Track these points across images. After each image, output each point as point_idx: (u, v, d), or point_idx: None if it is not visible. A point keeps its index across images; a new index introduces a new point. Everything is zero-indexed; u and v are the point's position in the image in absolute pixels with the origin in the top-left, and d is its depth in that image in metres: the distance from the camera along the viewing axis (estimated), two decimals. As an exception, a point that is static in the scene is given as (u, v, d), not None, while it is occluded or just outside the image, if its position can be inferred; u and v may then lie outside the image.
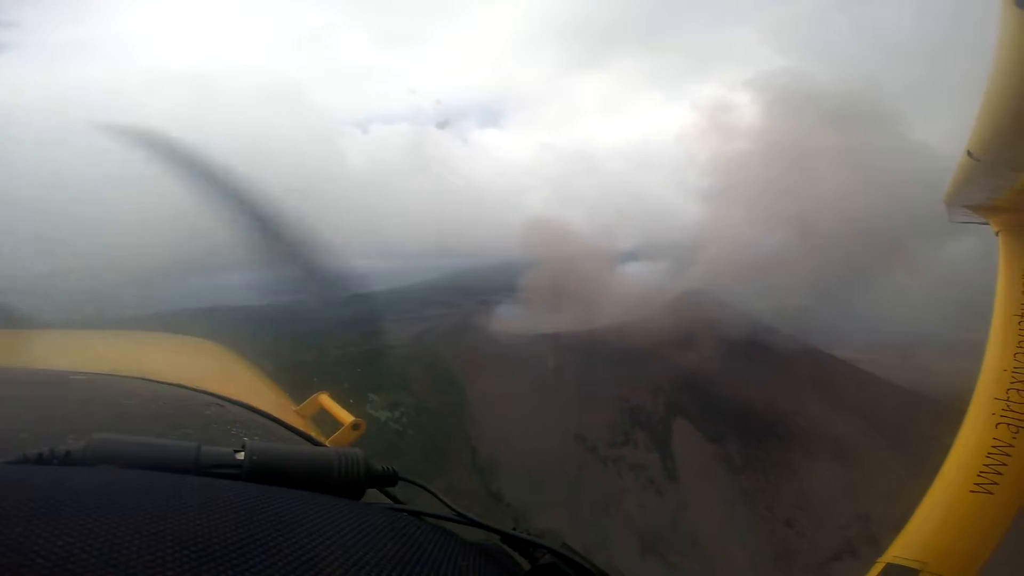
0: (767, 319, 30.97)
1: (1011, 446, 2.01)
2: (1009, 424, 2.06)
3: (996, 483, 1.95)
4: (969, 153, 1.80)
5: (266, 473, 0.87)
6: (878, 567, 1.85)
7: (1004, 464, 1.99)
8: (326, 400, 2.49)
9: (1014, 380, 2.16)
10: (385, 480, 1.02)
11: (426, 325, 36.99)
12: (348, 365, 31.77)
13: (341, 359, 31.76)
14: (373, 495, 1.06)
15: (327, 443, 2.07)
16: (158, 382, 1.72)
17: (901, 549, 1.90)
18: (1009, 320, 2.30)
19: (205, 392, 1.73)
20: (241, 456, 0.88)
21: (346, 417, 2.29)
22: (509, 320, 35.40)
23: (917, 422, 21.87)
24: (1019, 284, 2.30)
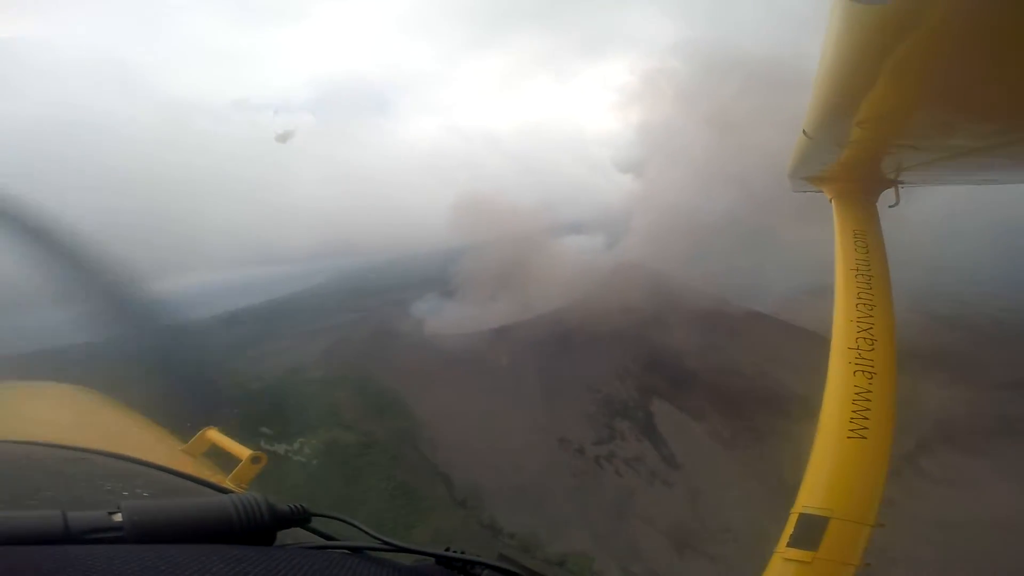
0: (708, 284, 31.07)
1: (869, 391, 2.46)
2: (863, 371, 2.54)
3: (867, 427, 2.34)
4: (804, 132, 2.46)
5: (152, 532, 0.80)
6: (793, 518, 2.19)
7: (868, 409, 2.41)
8: (216, 435, 2.43)
9: (859, 329, 2.69)
10: (295, 520, 0.98)
11: (335, 336, 30.50)
12: (246, 398, 24.58)
13: (235, 391, 24.45)
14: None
15: (228, 481, 2.03)
16: (7, 441, 1.55)
17: (808, 499, 2.23)
18: (848, 275, 2.93)
19: (64, 447, 1.56)
20: (119, 517, 0.79)
21: (242, 451, 2.22)
22: (439, 319, 30.72)
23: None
24: (851, 243, 3.03)
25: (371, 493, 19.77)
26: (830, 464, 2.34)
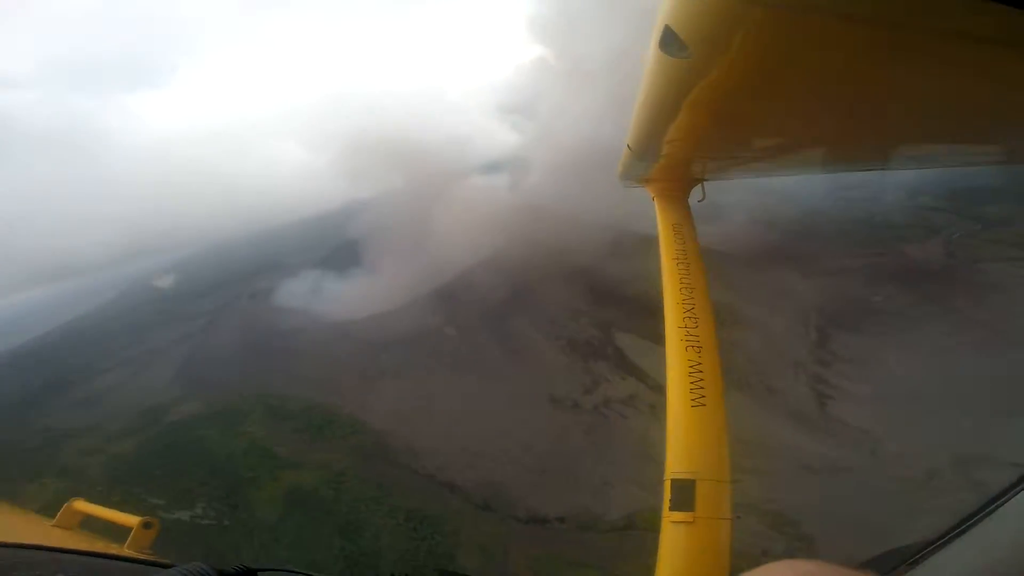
0: (614, 212, 30.55)
1: (700, 363, 2.85)
2: (693, 346, 2.94)
3: (704, 395, 2.71)
4: (628, 147, 3.13)
5: None
6: (666, 484, 2.45)
7: (702, 379, 2.78)
8: (85, 505, 2.42)
9: (686, 310, 3.13)
10: None
11: (182, 353, 21.22)
12: (113, 465, 15.29)
13: (83, 458, 14.98)
14: None
15: (127, 551, 1.97)
16: None
17: (674, 465, 2.53)
18: (671, 263, 3.44)
19: None
20: None
21: (126, 518, 2.19)
22: (337, 301, 23.93)
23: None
24: (671, 235, 3.60)
25: (384, 536, 14.51)
26: (683, 432, 2.64)
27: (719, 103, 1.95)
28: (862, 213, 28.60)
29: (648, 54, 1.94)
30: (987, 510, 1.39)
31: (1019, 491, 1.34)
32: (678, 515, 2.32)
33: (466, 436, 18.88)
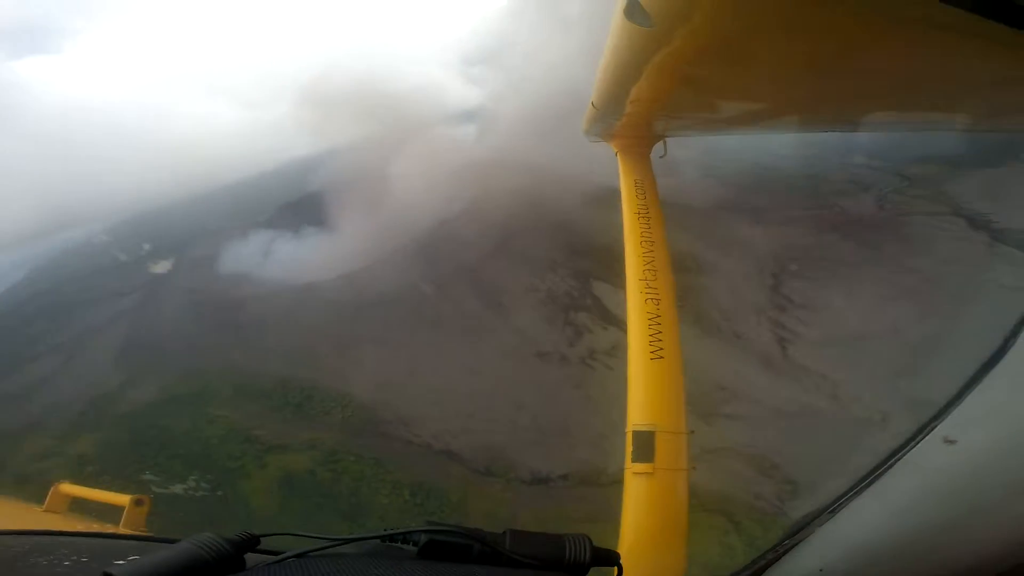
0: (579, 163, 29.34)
1: (659, 315, 2.77)
2: (652, 299, 2.82)
3: (662, 348, 2.63)
4: (592, 104, 3.33)
5: None
6: (628, 436, 2.56)
7: (660, 331, 2.69)
8: (72, 488, 2.49)
9: (646, 263, 3.01)
10: (248, 545, 1.05)
11: (120, 334, 18.59)
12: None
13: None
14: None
15: (122, 530, 2.05)
16: None
17: (635, 417, 2.57)
18: (632, 218, 3.33)
19: None
20: None
21: (117, 497, 2.29)
22: (297, 262, 21.73)
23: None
24: (633, 189, 3.49)
25: (392, 515, 13.89)
26: (643, 384, 2.74)
27: (680, 69, 2.02)
28: (804, 170, 29.39)
29: (614, 20, 1.98)
30: (886, 465, 1.41)
31: (917, 444, 1.36)
32: (639, 467, 2.38)
33: (457, 399, 18.21)
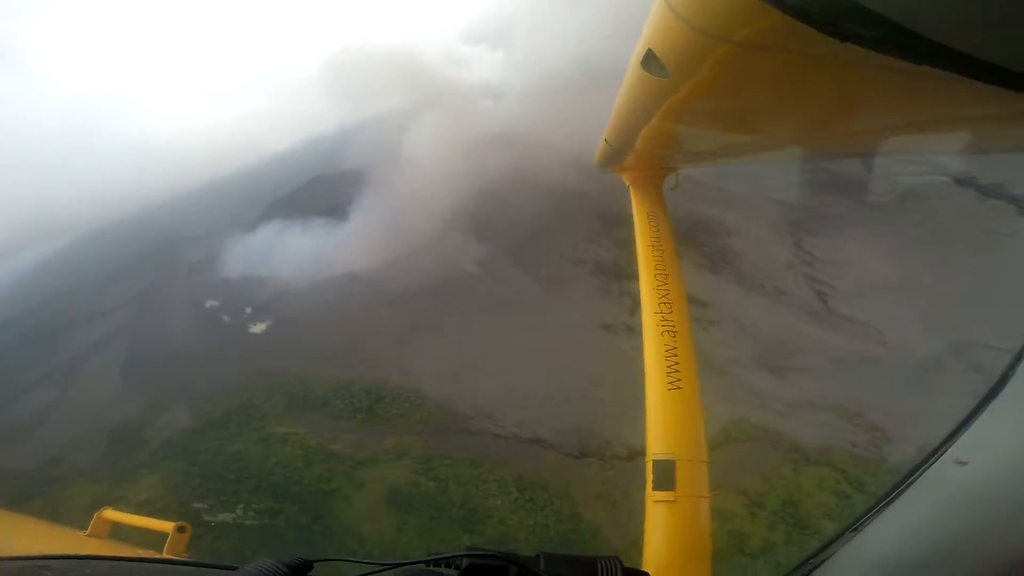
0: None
1: (675, 347, 2.82)
2: (668, 331, 2.90)
3: (680, 379, 2.67)
4: (606, 141, 3.43)
5: None
6: (648, 465, 2.56)
7: (677, 363, 2.72)
8: (115, 514, 2.52)
9: (661, 296, 3.08)
10: (303, 569, 1.12)
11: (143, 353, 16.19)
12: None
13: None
14: None
15: (164, 555, 2.04)
16: None
17: (654, 447, 2.60)
18: (647, 249, 3.37)
19: (15, 557, 1.41)
20: None
21: (160, 524, 2.30)
22: (320, 254, 19.62)
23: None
24: (646, 222, 3.55)
25: (509, 517, 12.68)
26: (662, 414, 2.69)
27: (692, 113, 2.19)
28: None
29: (630, 67, 2.14)
30: (902, 487, 1.46)
31: (930, 466, 1.40)
32: (660, 494, 2.42)
33: (530, 383, 16.96)
